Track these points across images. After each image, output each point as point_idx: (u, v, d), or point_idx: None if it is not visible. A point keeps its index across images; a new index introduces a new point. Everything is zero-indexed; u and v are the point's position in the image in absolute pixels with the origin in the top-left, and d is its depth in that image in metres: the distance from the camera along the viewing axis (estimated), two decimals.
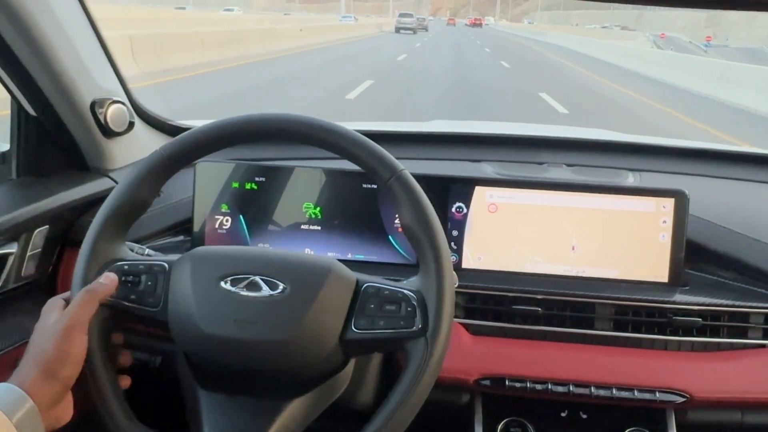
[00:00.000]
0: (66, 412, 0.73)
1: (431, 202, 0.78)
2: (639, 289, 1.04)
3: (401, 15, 45.63)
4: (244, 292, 0.75)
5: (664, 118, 9.60)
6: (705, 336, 1.01)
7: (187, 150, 0.81)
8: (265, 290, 0.75)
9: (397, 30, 41.25)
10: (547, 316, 1.04)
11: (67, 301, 0.77)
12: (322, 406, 0.81)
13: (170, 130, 1.40)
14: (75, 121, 1.15)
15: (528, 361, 1.01)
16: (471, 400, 1.05)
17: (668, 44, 42.47)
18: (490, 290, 1.05)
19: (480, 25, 75.03)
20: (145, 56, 11.01)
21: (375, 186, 1.08)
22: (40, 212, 1.06)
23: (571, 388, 0.98)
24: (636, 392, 0.97)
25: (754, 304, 1.01)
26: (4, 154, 1.18)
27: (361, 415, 0.81)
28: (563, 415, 1.04)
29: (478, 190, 1.09)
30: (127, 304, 0.78)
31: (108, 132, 1.20)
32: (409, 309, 0.75)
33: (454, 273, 0.78)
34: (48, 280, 1.14)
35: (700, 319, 1.00)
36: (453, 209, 1.09)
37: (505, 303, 1.04)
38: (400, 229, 1.07)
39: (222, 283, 0.76)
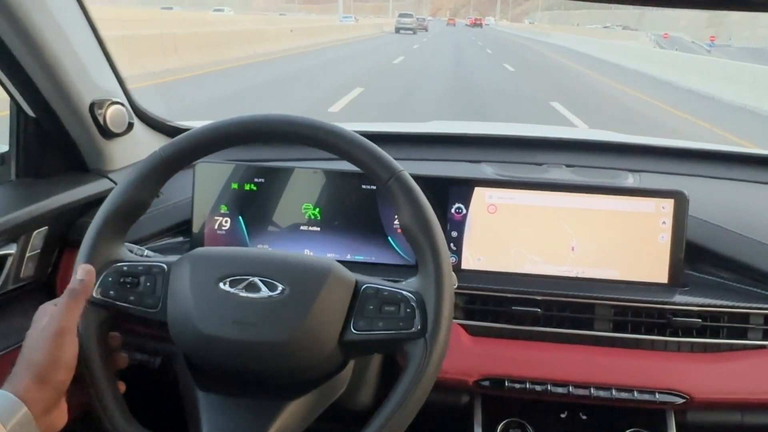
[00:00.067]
0: (60, 417, 0.73)
1: (430, 203, 0.78)
2: (638, 289, 1.04)
3: (401, 15, 45.63)
4: (244, 293, 0.75)
5: (703, 134, 8.38)
6: (705, 337, 1.01)
7: (186, 151, 0.81)
8: (265, 291, 0.75)
9: (397, 30, 41.27)
10: (546, 317, 1.03)
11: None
12: (321, 407, 0.81)
13: (169, 131, 1.40)
14: (74, 122, 1.15)
15: (527, 362, 1.01)
16: (470, 401, 1.05)
17: (671, 44, 42.26)
18: (489, 291, 1.05)
19: (480, 25, 74.98)
20: None
21: (374, 187, 1.08)
22: (39, 213, 1.06)
23: (570, 389, 0.98)
24: (636, 393, 0.97)
25: (754, 305, 1.01)
26: (3, 155, 1.18)
27: (360, 417, 0.81)
28: (563, 416, 1.04)
29: (478, 191, 1.09)
30: (126, 305, 0.78)
31: (107, 133, 1.20)
32: (408, 310, 0.75)
33: (453, 274, 0.78)
34: (47, 281, 1.14)
35: (699, 320, 1.00)
36: (452, 210, 1.09)
37: (505, 304, 1.04)
38: (399, 230, 1.07)
39: (221, 284, 0.75)
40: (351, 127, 0.83)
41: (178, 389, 0.84)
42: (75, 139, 1.18)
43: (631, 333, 1.02)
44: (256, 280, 0.76)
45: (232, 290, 0.75)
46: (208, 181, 1.11)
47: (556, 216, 1.07)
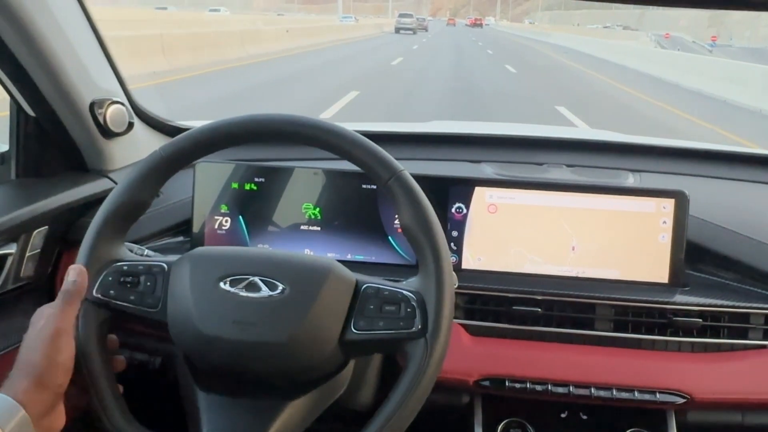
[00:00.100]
0: (58, 420, 0.73)
1: (431, 203, 0.78)
2: (639, 289, 1.04)
3: (401, 15, 45.63)
4: (244, 293, 0.75)
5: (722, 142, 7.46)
6: (705, 337, 1.01)
7: (186, 150, 0.81)
8: (265, 291, 0.75)
9: (397, 30, 41.25)
10: (546, 317, 1.03)
11: None
12: (321, 407, 0.81)
13: (169, 130, 1.40)
14: (74, 121, 1.15)
15: (528, 361, 1.01)
16: (471, 401, 1.05)
17: (672, 44, 42.08)
18: (489, 291, 1.04)
19: (480, 25, 74.90)
20: None
21: (374, 187, 1.08)
22: (39, 213, 1.06)
23: (571, 389, 0.98)
24: (636, 393, 0.97)
25: (755, 305, 1.01)
26: (3, 154, 1.18)
27: (360, 417, 0.81)
28: (563, 416, 1.04)
29: (478, 191, 1.09)
30: (126, 304, 0.78)
31: (107, 132, 1.19)
32: (408, 310, 0.75)
33: (453, 273, 0.78)
34: (47, 281, 1.14)
35: (700, 320, 1.00)
36: (453, 210, 1.09)
37: (505, 304, 1.04)
38: (399, 230, 1.07)
39: (221, 284, 0.75)
40: (351, 126, 0.83)
41: (178, 389, 0.84)
42: (75, 139, 1.18)
43: (632, 333, 1.02)
44: (257, 279, 0.75)
45: (232, 290, 0.75)
46: (209, 180, 1.10)
47: (556, 216, 1.07)
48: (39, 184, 1.15)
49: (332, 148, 0.79)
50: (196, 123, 1.19)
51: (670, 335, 1.01)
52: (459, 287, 1.00)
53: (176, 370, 0.84)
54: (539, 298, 1.03)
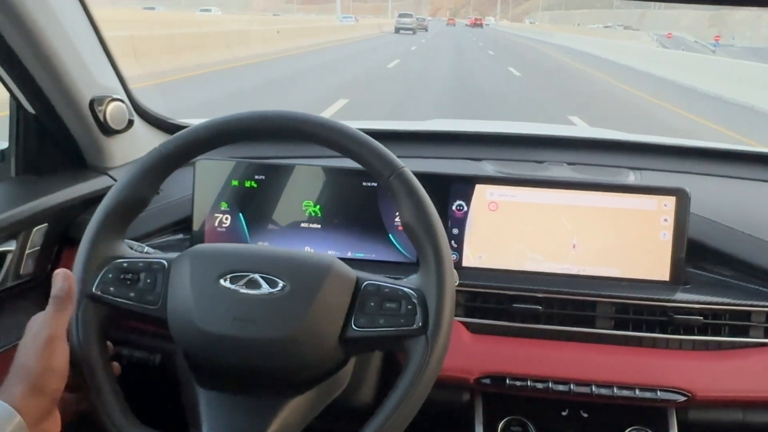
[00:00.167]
0: (53, 425, 0.72)
1: (431, 201, 0.78)
2: (640, 287, 1.04)
3: (401, 15, 45.62)
4: (244, 290, 0.74)
5: None
6: (706, 334, 1.01)
7: (186, 147, 0.81)
8: (265, 288, 0.75)
9: (397, 30, 41.22)
10: (547, 315, 1.03)
11: None
12: (321, 404, 0.80)
13: (169, 128, 1.40)
14: (74, 118, 1.15)
15: (529, 359, 1.01)
16: (471, 399, 1.05)
17: (674, 44, 41.87)
18: (490, 289, 1.04)
19: (480, 25, 74.73)
20: None
21: (375, 184, 1.08)
22: (39, 210, 1.06)
23: (571, 387, 0.98)
24: (637, 391, 0.97)
25: (756, 303, 1.01)
26: (3, 151, 1.18)
27: (361, 414, 0.80)
28: (564, 414, 1.04)
29: (479, 188, 1.09)
30: (125, 301, 0.78)
31: (107, 130, 1.19)
32: (409, 307, 0.74)
33: (454, 271, 0.77)
34: (47, 278, 1.13)
35: (701, 318, 1.00)
36: (453, 207, 1.09)
37: (506, 301, 1.04)
38: (400, 228, 1.07)
39: (221, 281, 0.75)
40: (352, 124, 0.83)
41: (177, 386, 0.83)
42: (75, 136, 1.18)
43: (633, 331, 1.02)
44: (257, 276, 0.75)
45: (232, 287, 0.75)
46: (209, 178, 1.10)
47: (557, 213, 1.07)
48: (39, 181, 1.14)
49: (333, 145, 0.79)
50: (196, 121, 1.19)
51: (671, 333, 1.01)
52: (460, 285, 1.00)
53: (176, 367, 0.84)
54: (540, 295, 1.03)
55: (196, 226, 1.11)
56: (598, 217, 1.06)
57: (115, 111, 1.19)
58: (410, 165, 0.79)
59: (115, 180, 1.17)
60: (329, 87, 10.64)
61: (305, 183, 1.09)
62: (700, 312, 1.00)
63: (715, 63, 15.01)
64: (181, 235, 1.19)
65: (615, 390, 0.97)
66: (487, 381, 1.00)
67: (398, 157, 0.78)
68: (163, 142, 0.81)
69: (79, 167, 1.21)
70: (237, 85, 10.35)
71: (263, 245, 1.08)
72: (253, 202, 1.10)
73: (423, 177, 0.82)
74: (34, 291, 1.10)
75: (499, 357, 1.01)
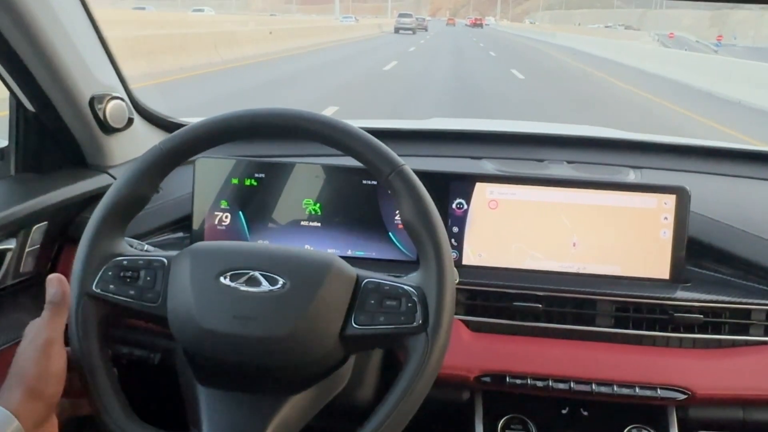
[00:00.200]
0: (51, 430, 0.73)
1: (431, 199, 0.78)
2: (640, 285, 1.04)
3: (400, 15, 45.56)
4: (244, 288, 0.74)
5: None
6: (706, 333, 1.01)
7: (185, 145, 0.81)
8: (265, 285, 0.74)
9: (397, 30, 41.16)
10: (547, 313, 1.03)
11: None
12: (321, 402, 0.80)
13: (169, 126, 1.40)
14: (74, 117, 1.15)
15: (529, 358, 1.00)
16: (471, 397, 1.05)
17: (676, 44, 41.58)
18: (490, 287, 1.04)
19: (481, 25, 74.47)
20: None
21: (375, 182, 1.08)
22: (38, 208, 1.06)
23: (572, 385, 0.98)
24: (637, 389, 0.97)
25: (756, 301, 1.01)
26: (2, 150, 1.18)
27: (361, 412, 0.80)
28: (564, 412, 1.04)
29: (479, 187, 1.09)
30: (125, 299, 0.78)
31: (107, 128, 1.19)
32: (409, 305, 0.74)
33: (454, 269, 0.77)
34: (47, 277, 1.13)
35: (701, 316, 1.00)
36: (453, 206, 1.09)
37: (506, 300, 1.04)
38: (400, 226, 1.07)
39: (221, 279, 0.75)
40: (353, 123, 0.83)
41: (178, 384, 0.83)
42: (75, 134, 1.18)
43: (633, 329, 1.02)
44: (257, 274, 0.75)
45: (232, 284, 0.75)
46: (209, 176, 1.10)
47: (557, 212, 1.07)
48: (38, 179, 1.14)
49: (333, 143, 0.79)
50: (196, 119, 1.19)
51: (671, 331, 1.01)
52: (460, 283, 1.00)
53: (176, 365, 0.84)
54: (540, 294, 1.03)
55: (196, 224, 1.11)
56: (598, 216, 1.06)
57: (114, 109, 1.19)
58: (410, 163, 0.79)
59: (115, 178, 1.17)
60: (319, 92, 9.82)
61: (305, 181, 1.09)
62: (700, 310, 1.00)
63: (731, 65, 13.60)
64: (181, 233, 1.19)
65: (615, 388, 0.97)
66: (488, 379, 1.00)
67: (398, 155, 0.78)
68: (163, 140, 0.81)
69: (79, 165, 1.21)
70: (218, 90, 9.61)
71: (263, 243, 1.08)
72: (253, 201, 1.10)
73: (423, 175, 0.81)
74: (33, 289, 1.10)
75: (499, 355, 1.01)
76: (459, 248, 1.09)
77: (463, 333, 1.03)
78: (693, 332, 1.01)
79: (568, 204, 1.07)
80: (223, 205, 1.10)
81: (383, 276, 0.78)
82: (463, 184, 1.09)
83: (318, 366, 0.78)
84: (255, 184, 1.10)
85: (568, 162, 1.31)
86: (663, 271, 1.05)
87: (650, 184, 1.08)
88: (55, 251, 1.15)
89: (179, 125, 1.38)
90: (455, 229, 1.09)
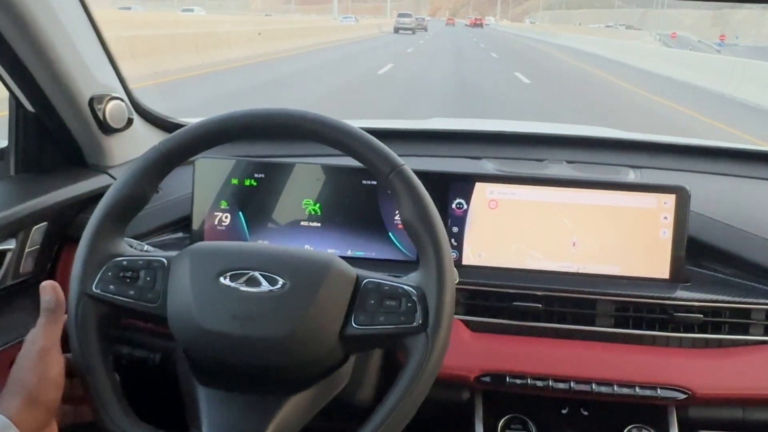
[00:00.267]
0: None
1: (431, 199, 0.78)
2: (640, 285, 1.04)
3: (400, 15, 45.51)
4: (244, 288, 0.74)
5: None
6: (706, 332, 1.01)
7: (185, 145, 0.81)
8: (265, 286, 0.74)
9: (396, 30, 41.12)
10: (547, 313, 1.03)
11: None
12: (321, 402, 0.80)
13: (169, 127, 1.40)
14: (73, 117, 1.15)
15: (529, 357, 1.00)
16: (471, 397, 1.05)
17: (679, 44, 41.34)
18: (490, 287, 1.04)
19: (481, 25, 74.28)
20: None
21: (375, 182, 1.08)
22: (38, 209, 1.06)
23: (572, 385, 0.98)
24: (637, 389, 0.97)
25: (756, 301, 1.01)
26: (2, 150, 1.18)
27: (361, 412, 0.80)
28: (564, 412, 1.03)
29: (479, 187, 1.08)
30: (125, 299, 0.78)
31: (107, 128, 1.19)
32: (409, 305, 0.74)
33: (454, 269, 0.77)
34: (46, 277, 1.13)
35: (701, 316, 1.00)
36: (453, 205, 1.09)
37: (506, 299, 1.03)
38: (400, 226, 1.07)
39: (221, 279, 0.75)
40: (352, 123, 0.83)
41: (177, 385, 0.83)
42: (74, 135, 1.18)
43: (633, 329, 1.01)
44: (257, 274, 0.75)
45: (232, 284, 0.75)
46: (208, 176, 1.10)
47: (557, 211, 1.07)
48: (38, 180, 1.14)
49: (333, 142, 0.79)
50: (195, 119, 1.19)
51: (671, 331, 1.01)
52: (460, 283, 1.00)
53: (176, 365, 0.84)
54: (540, 294, 1.03)
55: (195, 225, 1.11)
56: (598, 215, 1.06)
57: (114, 109, 1.19)
58: (410, 163, 0.79)
59: (115, 178, 1.17)
60: (305, 100, 8.75)
61: (305, 181, 1.09)
62: (700, 310, 1.00)
63: (748, 66, 12.59)
64: (180, 234, 1.19)
65: (615, 388, 0.97)
66: (487, 379, 1.00)
67: (398, 155, 0.78)
68: (163, 140, 0.81)
69: (79, 166, 1.21)
70: (195, 97, 8.81)
71: (263, 243, 1.08)
72: (253, 201, 1.10)
73: (423, 175, 0.81)
74: (33, 290, 1.10)
75: (499, 355, 1.01)
76: (459, 248, 1.09)
77: (463, 333, 1.03)
78: (693, 332, 1.01)
79: (567, 204, 1.07)
80: (223, 205, 1.10)
81: (383, 276, 0.78)
82: (463, 184, 1.09)
83: (318, 366, 0.78)
84: (255, 184, 1.10)
85: (568, 162, 1.31)
86: (663, 271, 1.05)
87: (650, 184, 1.08)
88: (55, 252, 1.15)
89: (179, 125, 1.38)
90: (455, 229, 1.09)
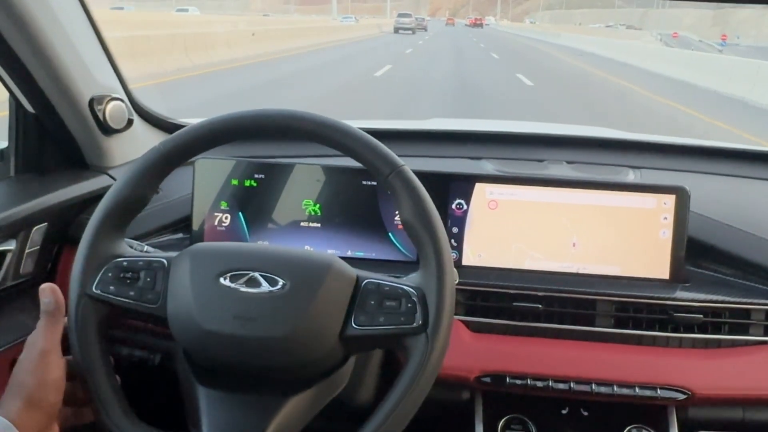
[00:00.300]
0: None
1: (431, 199, 0.78)
2: (640, 285, 1.04)
3: (400, 15, 45.48)
4: (244, 289, 0.74)
5: None
6: (706, 333, 1.01)
7: (185, 146, 0.81)
8: (265, 286, 0.74)
9: (396, 30, 41.07)
10: (547, 314, 1.03)
11: None
12: (321, 403, 0.80)
13: (169, 127, 1.40)
14: (73, 118, 1.15)
15: (529, 358, 1.00)
16: (471, 397, 1.05)
17: (680, 44, 41.15)
18: (490, 287, 1.04)
19: (481, 25, 74.16)
20: None
21: (375, 183, 1.08)
22: (38, 209, 1.06)
23: (571, 386, 0.98)
24: (637, 389, 0.97)
25: (755, 301, 1.01)
26: (2, 151, 1.18)
27: (361, 413, 0.80)
28: (564, 412, 1.04)
29: (479, 187, 1.09)
30: (125, 300, 0.78)
31: (107, 129, 1.19)
32: (409, 305, 0.74)
33: (454, 269, 0.77)
34: (46, 278, 1.13)
35: (701, 316, 1.00)
36: (453, 206, 1.09)
37: (506, 300, 1.03)
38: (400, 226, 1.07)
39: (221, 280, 0.75)
40: (352, 123, 0.83)
41: (177, 386, 0.83)
42: (74, 136, 1.18)
43: (633, 329, 1.01)
44: (257, 275, 0.75)
45: (232, 285, 0.75)
46: (208, 177, 1.10)
47: (557, 212, 1.07)
48: (38, 180, 1.15)
49: (333, 143, 0.79)
50: (196, 120, 1.19)
51: (671, 331, 1.01)
52: (459, 283, 1.00)
53: (176, 366, 0.84)
54: (540, 294, 1.03)
55: (195, 225, 1.11)
56: (597, 216, 1.06)
57: (114, 110, 1.19)
58: (410, 164, 0.79)
59: (115, 179, 1.17)
60: (295, 106, 8.01)
61: (305, 182, 1.09)
62: (700, 310, 1.00)
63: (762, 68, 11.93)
64: (180, 234, 1.19)
65: (615, 388, 0.97)
66: (487, 379, 1.00)
67: (398, 155, 0.78)
68: (163, 141, 0.81)
69: (79, 166, 1.22)
70: (171, 105, 7.67)
71: (263, 244, 1.08)
72: (253, 201, 1.10)
73: (423, 176, 0.81)
74: (33, 290, 1.10)
75: (499, 355, 1.01)
76: (459, 248, 1.09)
77: (463, 333, 1.03)
78: (693, 332, 1.01)
79: (567, 204, 1.07)
80: (223, 205, 1.10)
81: (383, 276, 0.78)
82: (463, 185, 1.09)
83: (318, 366, 0.78)
84: (255, 184, 1.10)
85: (568, 162, 1.32)
86: (663, 271, 1.05)
87: (650, 185, 1.08)
88: (55, 252, 1.15)
89: (179, 126, 1.38)
90: (455, 230, 1.09)
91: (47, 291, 0.76)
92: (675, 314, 1.00)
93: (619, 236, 1.06)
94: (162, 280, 0.78)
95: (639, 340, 1.01)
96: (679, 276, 1.05)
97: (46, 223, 1.09)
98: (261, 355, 0.75)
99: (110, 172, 1.22)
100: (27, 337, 0.75)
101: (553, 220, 1.07)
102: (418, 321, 0.73)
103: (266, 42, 17.77)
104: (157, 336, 1.03)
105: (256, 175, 1.10)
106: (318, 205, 1.09)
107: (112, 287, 0.78)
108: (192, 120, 1.38)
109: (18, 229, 1.03)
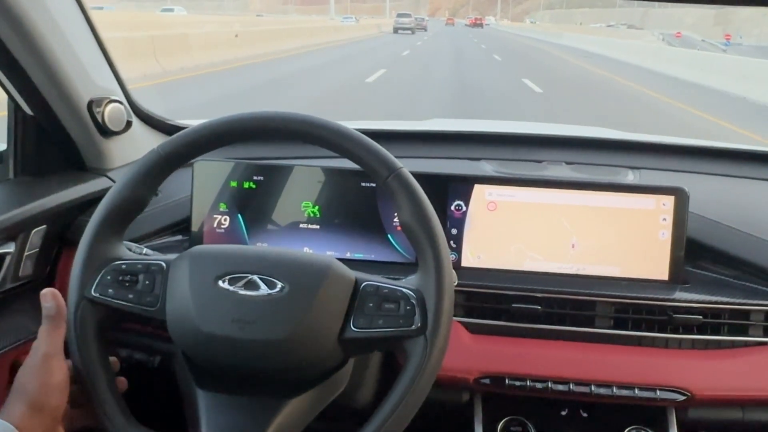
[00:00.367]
0: None
1: (430, 201, 0.78)
2: (639, 286, 1.04)
3: (399, 15, 45.46)
4: (243, 291, 0.74)
5: None
6: (706, 334, 1.01)
7: (184, 148, 0.81)
8: (264, 289, 0.75)
9: (396, 30, 41.04)
10: (547, 315, 1.03)
11: None
12: (320, 405, 0.80)
13: (168, 129, 1.40)
14: (72, 120, 1.15)
15: (528, 359, 1.00)
16: (471, 399, 1.05)
17: (683, 44, 41.01)
18: (489, 289, 1.04)
19: (481, 25, 73.92)
20: None
21: (374, 185, 1.08)
22: (37, 212, 1.06)
23: (571, 387, 0.98)
24: (636, 390, 0.97)
25: (755, 302, 1.01)
26: (1, 153, 1.18)
27: (360, 415, 0.80)
28: (563, 413, 1.03)
29: (477, 188, 1.08)
30: (124, 303, 0.78)
31: (105, 131, 1.19)
32: (408, 308, 0.74)
33: (453, 271, 0.77)
34: (46, 280, 1.14)
35: (700, 317, 1.00)
36: (452, 207, 1.09)
37: (505, 301, 1.03)
38: (399, 228, 1.07)
39: (220, 282, 0.75)
40: (350, 125, 0.83)
41: (177, 388, 0.83)
42: (73, 138, 1.18)
43: (632, 330, 1.01)
44: (255, 278, 0.75)
45: (231, 288, 0.75)
46: (207, 179, 1.10)
47: (556, 213, 1.07)
48: (37, 183, 1.14)
49: (331, 145, 0.79)
50: (195, 122, 1.19)
51: (671, 332, 1.01)
52: (458, 285, 1.00)
53: (175, 369, 0.84)
54: (539, 295, 1.03)
55: (194, 228, 1.11)
56: (597, 217, 1.06)
57: (113, 112, 1.19)
58: (409, 165, 0.79)
59: (114, 181, 1.17)
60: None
61: (304, 184, 1.09)
62: (699, 311, 1.00)
63: None
64: (179, 237, 1.19)
65: (614, 389, 0.97)
66: (487, 381, 1.00)
67: (396, 157, 0.78)
68: (162, 143, 0.81)
69: (78, 169, 1.22)
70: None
71: (262, 246, 1.08)
72: (252, 203, 1.10)
73: (421, 177, 0.82)
74: (33, 293, 1.10)
75: (499, 357, 1.01)
76: (458, 250, 1.09)
77: (463, 335, 1.03)
78: (692, 333, 1.01)
79: (566, 205, 1.07)
80: (222, 207, 1.10)
81: (382, 279, 0.78)
82: (462, 186, 1.09)
83: (317, 369, 0.78)
84: (254, 186, 1.10)
85: (567, 163, 1.31)
86: (662, 272, 1.05)
87: (649, 185, 1.08)
88: (54, 255, 1.15)
89: (178, 128, 1.38)
90: (454, 231, 1.09)
91: (48, 296, 0.76)
92: (674, 315, 1.00)
93: (618, 237, 1.06)
94: (161, 283, 0.78)
95: (638, 341, 1.01)
96: (678, 277, 1.05)
97: (45, 226, 1.09)
98: (260, 358, 0.75)
99: (109, 174, 1.22)
100: (26, 339, 0.75)
101: (553, 221, 1.07)
102: (417, 324, 0.73)
103: (251, 44, 16.57)
104: (156, 338, 1.03)
105: (255, 177, 1.10)
106: (317, 207, 1.09)
107: (110, 290, 0.78)
108: (191, 122, 1.38)
109: (17, 231, 1.03)
